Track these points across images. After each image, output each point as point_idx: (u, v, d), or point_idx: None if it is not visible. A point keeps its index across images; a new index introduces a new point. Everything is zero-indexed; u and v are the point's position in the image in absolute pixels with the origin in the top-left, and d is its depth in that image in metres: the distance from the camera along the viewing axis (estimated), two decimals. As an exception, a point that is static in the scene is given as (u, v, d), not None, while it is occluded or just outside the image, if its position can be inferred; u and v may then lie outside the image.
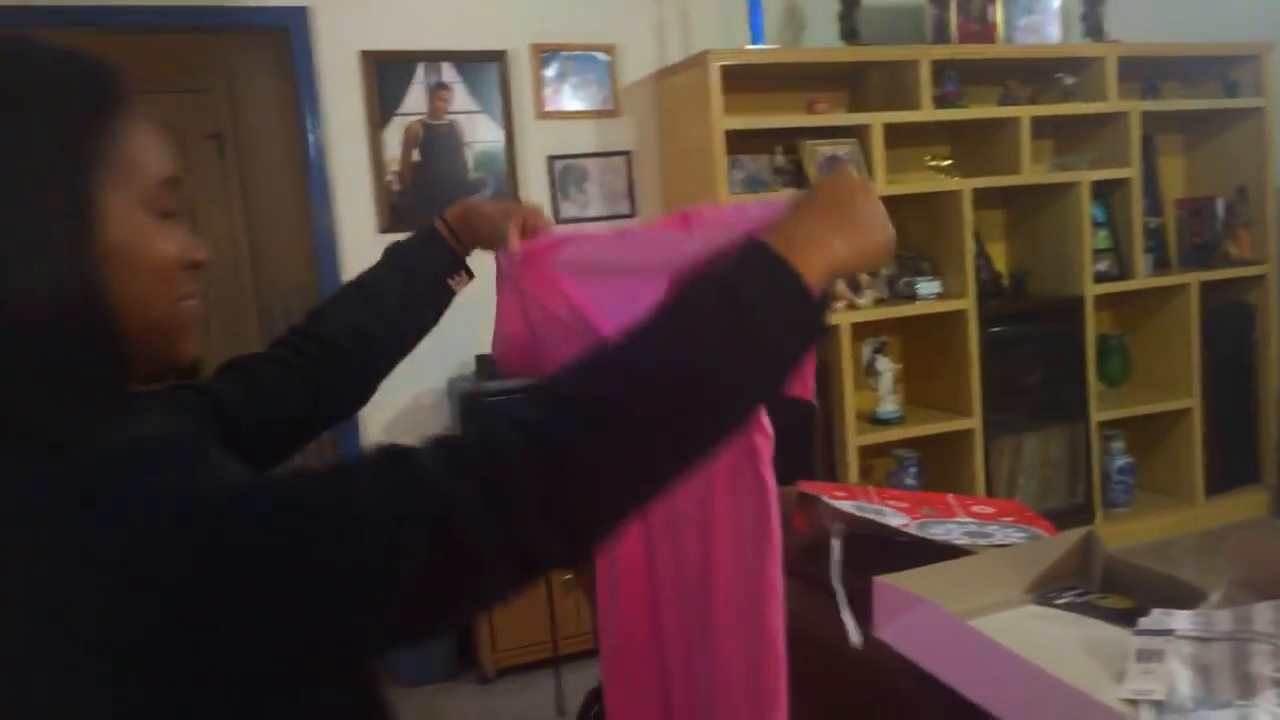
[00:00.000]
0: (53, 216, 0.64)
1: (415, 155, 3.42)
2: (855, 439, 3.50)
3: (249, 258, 4.42)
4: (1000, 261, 4.01)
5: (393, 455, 0.63)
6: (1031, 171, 3.70)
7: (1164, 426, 4.00)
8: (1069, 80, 3.78)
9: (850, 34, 3.56)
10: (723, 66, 3.18)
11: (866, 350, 3.73)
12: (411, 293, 1.22)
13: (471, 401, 3.12)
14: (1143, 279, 3.86)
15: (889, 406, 3.64)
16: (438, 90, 3.43)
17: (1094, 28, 3.87)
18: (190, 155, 4.33)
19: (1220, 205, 4.11)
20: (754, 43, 3.40)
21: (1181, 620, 1.07)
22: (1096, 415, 3.82)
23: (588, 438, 0.63)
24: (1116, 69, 3.73)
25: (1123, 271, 3.87)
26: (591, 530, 0.65)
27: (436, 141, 3.44)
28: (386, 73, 3.37)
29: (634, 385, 0.65)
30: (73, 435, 0.63)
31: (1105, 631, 1.11)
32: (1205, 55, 3.98)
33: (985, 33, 3.68)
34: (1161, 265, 4.05)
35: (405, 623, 0.62)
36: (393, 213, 3.39)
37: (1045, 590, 1.25)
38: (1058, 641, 1.11)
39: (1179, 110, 4.03)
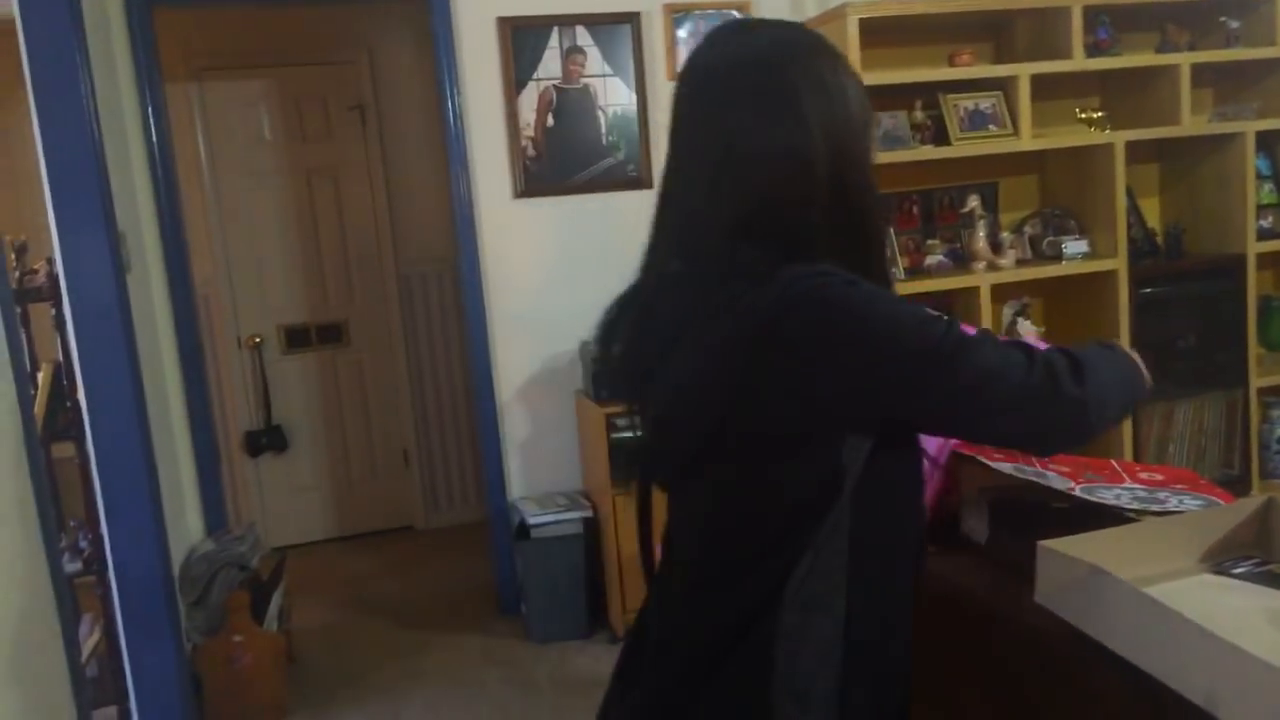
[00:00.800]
0: (863, 125, 1.06)
1: (549, 120, 3.45)
2: (996, 403, 3.39)
3: (390, 226, 4.56)
4: (1154, 218, 3.81)
5: (1046, 361, 1.00)
6: (1191, 122, 3.50)
7: (1333, 393, 3.75)
8: (1234, 24, 3.54)
9: (994, -19, 3.41)
10: (861, 20, 3.09)
11: (1007, 313, 3.60)
12: None
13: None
14: (1312, 236, 3.62)
15: (1031, 370, 3.51)
16: (571, 54, 3.45)
17: (1263, -34, 3.61)
18: (334, 126, 4.49)
19: (1401, 155, 3.80)
20: (892, -5, 3.30)
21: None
22: (1256, 381, 3.61)
23: (1102, 383, 1.04)
24: (1287, 10, 3.48)
25: (1290, 228, 3.63)
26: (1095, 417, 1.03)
27: (570, 106, 3.47)
28: (522, 38, 3.41)
29: (1110, 370, 1.07)
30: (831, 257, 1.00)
31: (1289, 603, 1.06)
32: (1389, -8, 3.67)
33: (1141, -25, 3.48)
34: (1333, 220, 3.77)
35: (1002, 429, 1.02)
36: (527, 178, 3.44)
37: (1221, 560, 1.20)
38: (1238, 612, 1.07)
39: (1357, 53, 3.73)
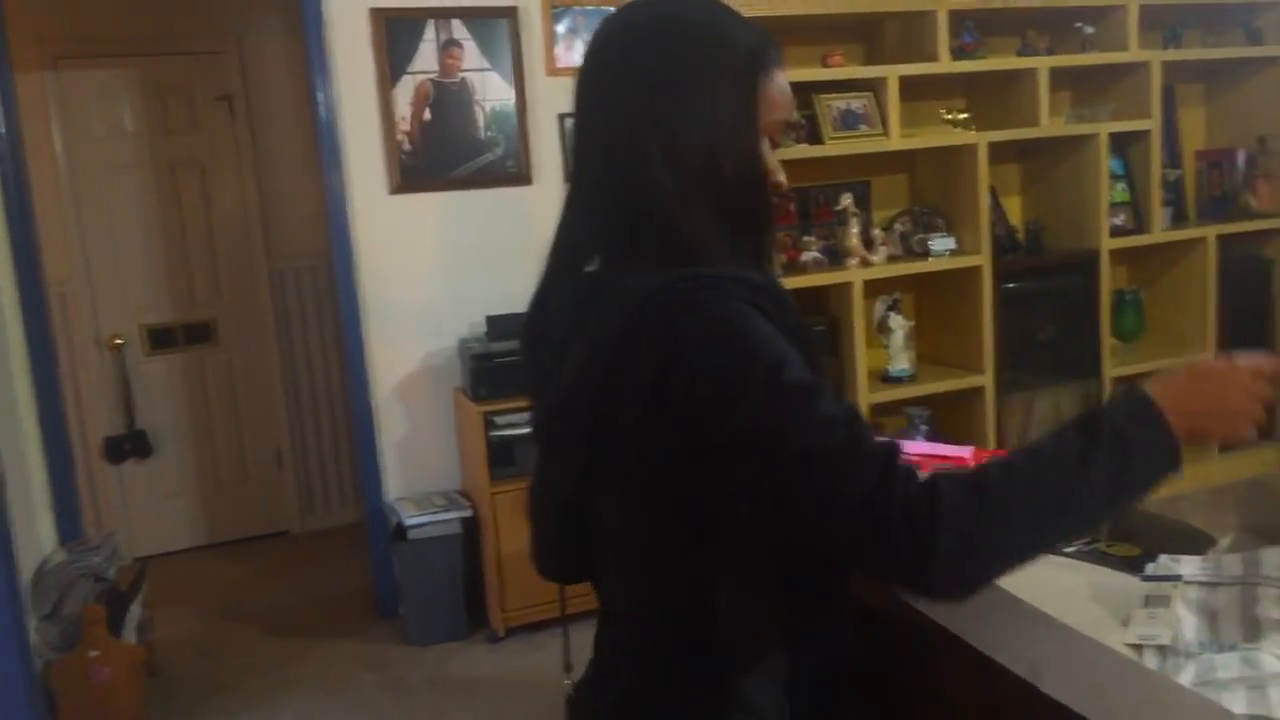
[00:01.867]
0: (742, 118, 0.97)
1: (426, 114, 3.40)
2: (867, 397, 3.49)
3: (260, 221, 4.42)
4: (1016, 216, 3.97)
5: (906, 473, 0.85)
6: (1049, 124, 3.65)
7: (1181, 382, 3.97)
8: (1088, 30, 3.71)
9: (867, -20, 3.50)
10: (733, 20, 3.13)
11: (879, 308, 3.70)
12: None
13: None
14: (1160, 233, 3.82)
15: (901, 364, 3.62)
16: (448, 47, 3.40)
17: (1113, -24, 3.79)
18: (200, 118, 4.32)
19: (1240, 156, 4.05)
20: (766, -5, 3.35)
21: (1189, 565, 1.06)
22: (1110, 371, 3.79)
23: (992, 530, 0.85)
24: (1138, 18, 3.66)
25: (1140, 225, 3.82)
26: (976, 574, 0.87)
27: (447, 100, 3.42)
28: (396, 30, 3.34)
29: (1033, 501, 0.86)
30: (718, 255, 0.94)
31: (1113, 578, 1.11)
32: (1228, 2, 3.90)
33: (1004, -19, 3.61)
34: (1179, 218, 4.00)
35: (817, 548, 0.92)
36: (403, 173, 3.38)
37: (1054, 539, 1.24)
38: (1066, 589, 1.11)
39: (1200, 60, 3.96)
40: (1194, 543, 1.13)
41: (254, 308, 4.45)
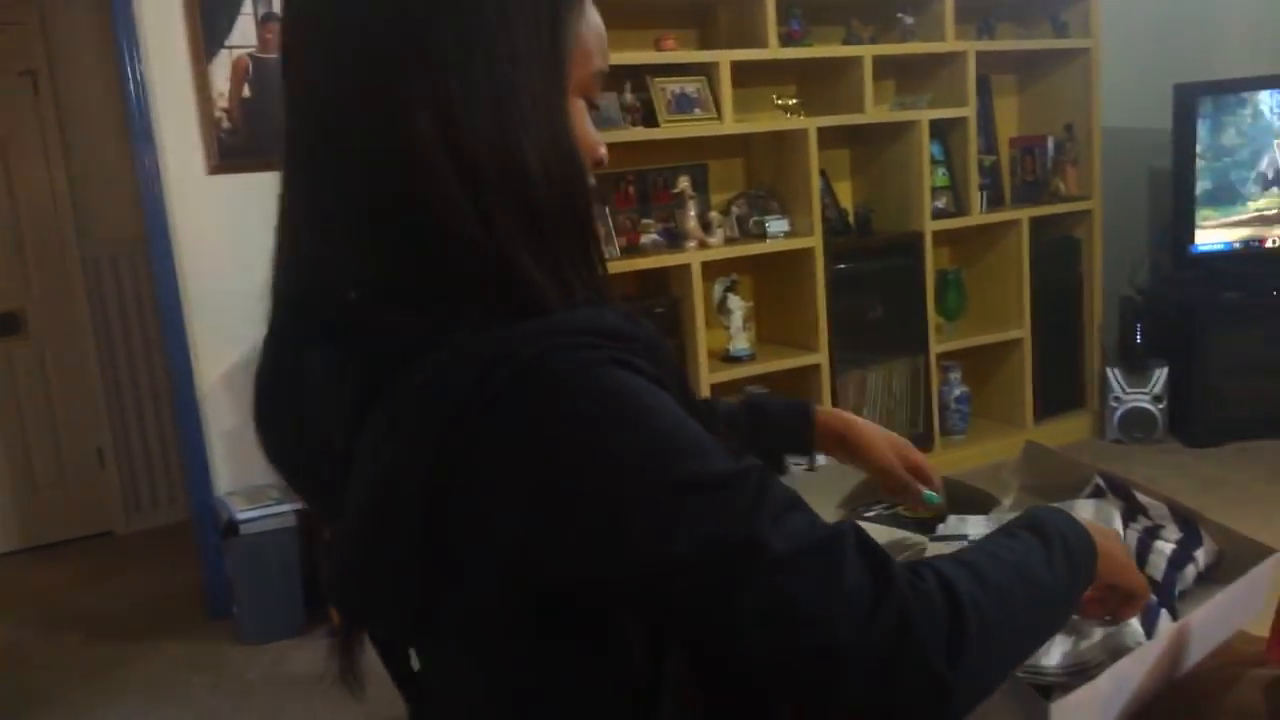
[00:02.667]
0: (549, 78, 0.70)
1: (245, 91, 3.25)
2: (708, 377, 3.55)
3: (70, 205, 4.15)
4: (846, 199, 4.10)
5: (884, 576, 0.65)
6: (874, 111, 3.79)
7: (997, 357, 4.21)
8: (909, 20, 3.87)
9: (694, -31, 3.55)
10: (566, 1, 3.11)
11: (717, 289, 3.77)
12: (750, 443, 1.10)
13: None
14: (978, 215, 4.02)
15: (740, 344, 3.70)
16: (267, 21, 3.26)
17: (932, -31, 3.96)
18: (0, 94, 4.02)
19: (1050, 143, 4.30)
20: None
21: (975, 525, 1.13)
22: (935, 348, 3.98)
23: (980, 631, 0.67)
24: (953, 9, 3.83)
25: (959, 208, 4.02)
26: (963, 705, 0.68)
27: (269, 76, 3.28)
28: (212, 2, 3.18)
29: (1013, 609, 0.71)
30: (541, 285, 0.67)
31: (909, 538, 1.17)
32: (1036, -3, 4.13)
33: (829, -29, 3.72)
34: (996, 202, 4.22)
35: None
36: (222, 152, 3.23)
37: (856, 504, 1.30)
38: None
39: (1012, 50, 4.19)
40: (980, 503, 1.20)
41: (66, 297, 4.18)
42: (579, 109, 0.74)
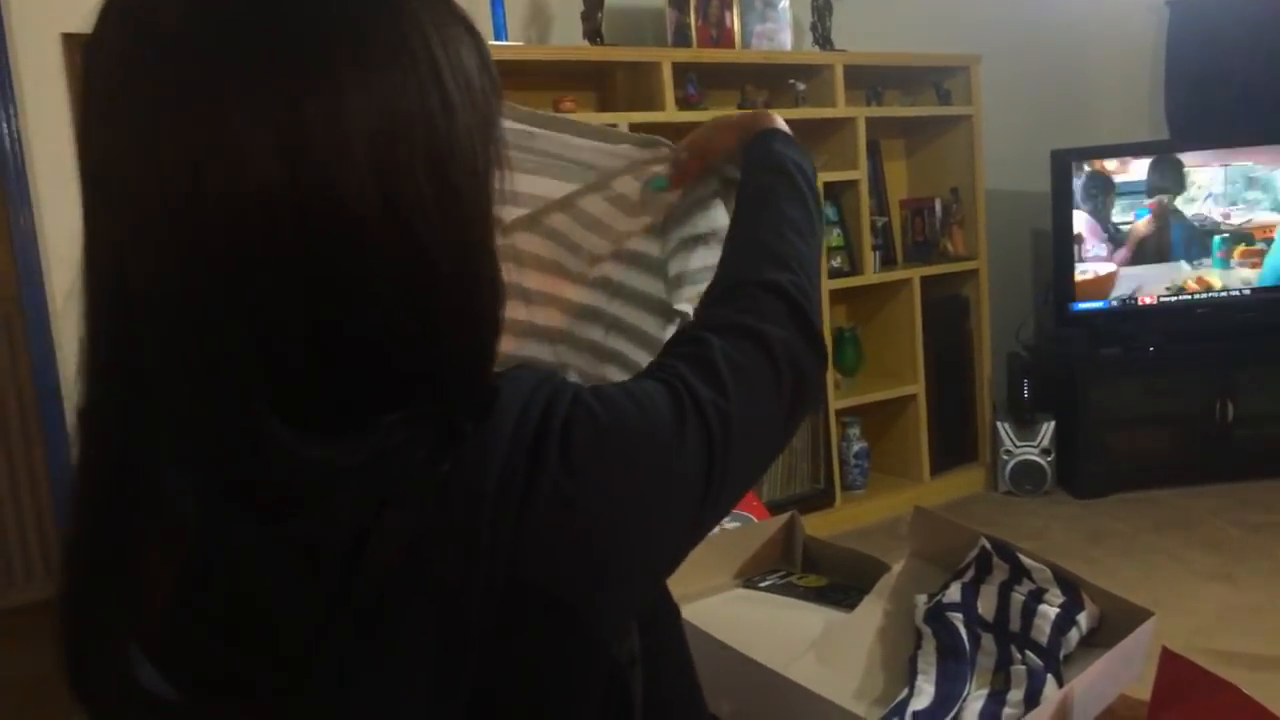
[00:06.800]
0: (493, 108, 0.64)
1: (131, 149, 3.15)
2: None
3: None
4: (744, 259, 4.16)
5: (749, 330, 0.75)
6: (769, 173, 3.87)
7: (893, 412, 4.30)
8: (801, 87, 3.98)
9: (594, 34, 3.60)
10: (464, 63, 3.11)
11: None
12: None
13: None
14: (871, 274, 4.13)
15: (642, 402, 3.69)
16: (155, 80, 3.17)
17: (823, 37, 4.09)
18: None
19: (938, 205, 4.45)
20: (497, 38, 3.37)
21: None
22: (835, 404, 4.05)
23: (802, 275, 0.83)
24: (843, 77, 3.96)
25: (854, 267, 4.11)
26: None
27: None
28: (95, 59, 3.09)
29: (802, 235, 0.86)
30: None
31: (800, 609, 1.16)
32: (921, 65, 4.30)
33: (724, 38, 3.82)
34: (888, 261, 4.34)
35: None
36: (106, 212, 3.11)
37: (753, 574, 1.29)
38: (757, 621, 1.15)
39: (900, 116, 4.34)
40: (873, 571, 1.21)
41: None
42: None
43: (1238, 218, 4.22)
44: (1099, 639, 1.07)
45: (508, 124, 0.88)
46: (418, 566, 0.54)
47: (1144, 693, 1.01)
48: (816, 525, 3.79)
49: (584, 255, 1.07)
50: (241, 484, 0.55)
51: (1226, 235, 4.22)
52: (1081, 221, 4.22)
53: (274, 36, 0.53)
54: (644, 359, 1.00)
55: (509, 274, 0.64)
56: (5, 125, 3.02)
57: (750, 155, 0.97)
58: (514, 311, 0.97)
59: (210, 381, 0.54)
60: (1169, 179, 4.21)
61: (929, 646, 1.02)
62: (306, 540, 0.54)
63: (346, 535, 0.54)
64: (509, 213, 1.03)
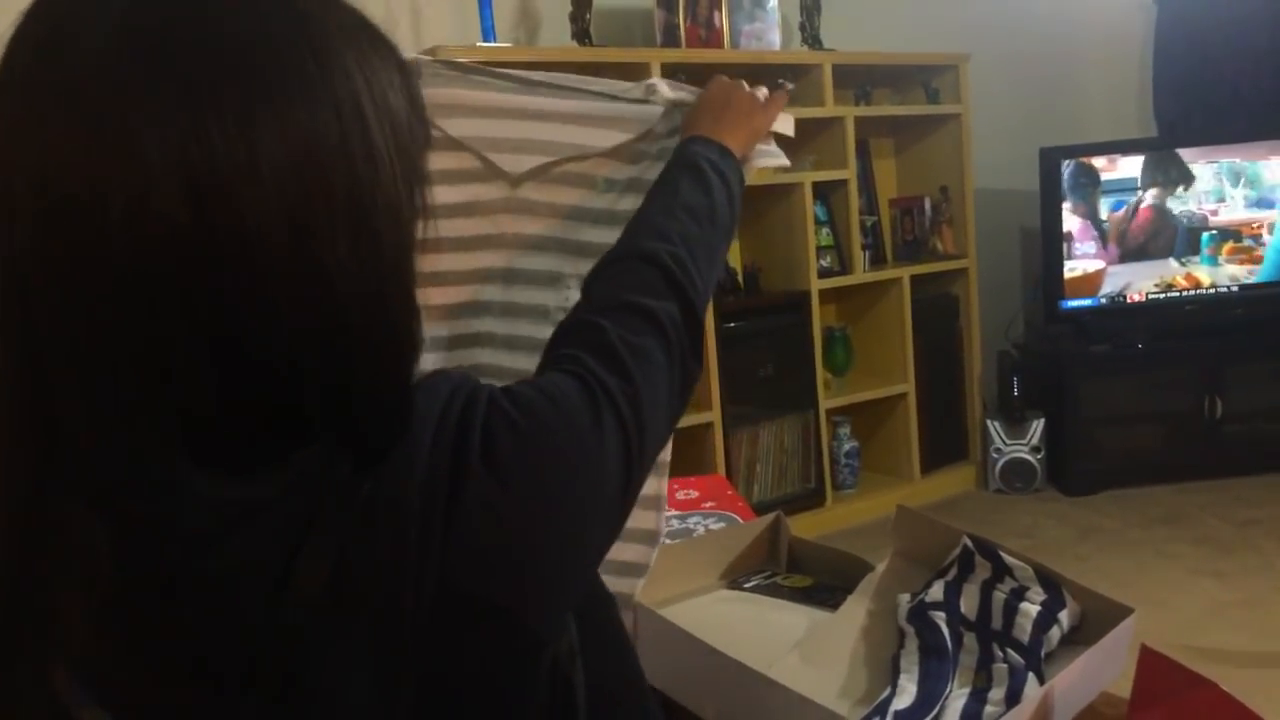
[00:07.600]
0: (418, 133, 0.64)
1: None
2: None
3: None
4: (736, 260, 4.17)
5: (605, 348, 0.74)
6: (759, 173, 3.87)
7: (884, 411, 4.30)
8: (790, 86, 3.98)
9: (582, 35, 3.60)
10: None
11: (610, 348, 3.78)
12: None
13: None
14: (861, 274, 4.14)
15: (633, 403, 3.69)
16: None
17: (811, 37, 4.10)
18: None
19: (927, 204, 4.46)
20: (485, 40, 3.37)
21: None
22: (825, 403, 4.05)
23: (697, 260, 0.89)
24: (832, 76, 3.97)
25: (844, 267, 4.12)
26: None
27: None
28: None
29: (696, 217, 0.93)
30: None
31: (785, 610, 1.17)
32: (909, 65, 4.31)
33: (712, 38, 3.82)
34: (878, 260, 4.35)
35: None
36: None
37: (739, 575, 1.29)
38: (741, 622, 1.15)
39: (889, 115, 4.35)
40: (858, 570, 1.21)
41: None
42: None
43: (1226, 215, 4.24)
44: (1081, 636, 1.08)
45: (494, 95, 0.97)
46: (348, 585, 0.54)
47: (1126, 690, 1.02)
48: (807, 525, 3.80)
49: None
50: (160, 520, 0.54)
51: (1215, 232, 4.24)
52: (1070, 219, 4.24)
53: (190, 69, 0.53)
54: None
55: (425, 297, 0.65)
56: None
57: (673, 155, 1.05)
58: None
59: (119, 423, 0.53)
60: (1163, 175, 4.23)
61: (912, 646, 1.03)
62: (228, 571, 0.54)
63: (272, 561, 0.54)
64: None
